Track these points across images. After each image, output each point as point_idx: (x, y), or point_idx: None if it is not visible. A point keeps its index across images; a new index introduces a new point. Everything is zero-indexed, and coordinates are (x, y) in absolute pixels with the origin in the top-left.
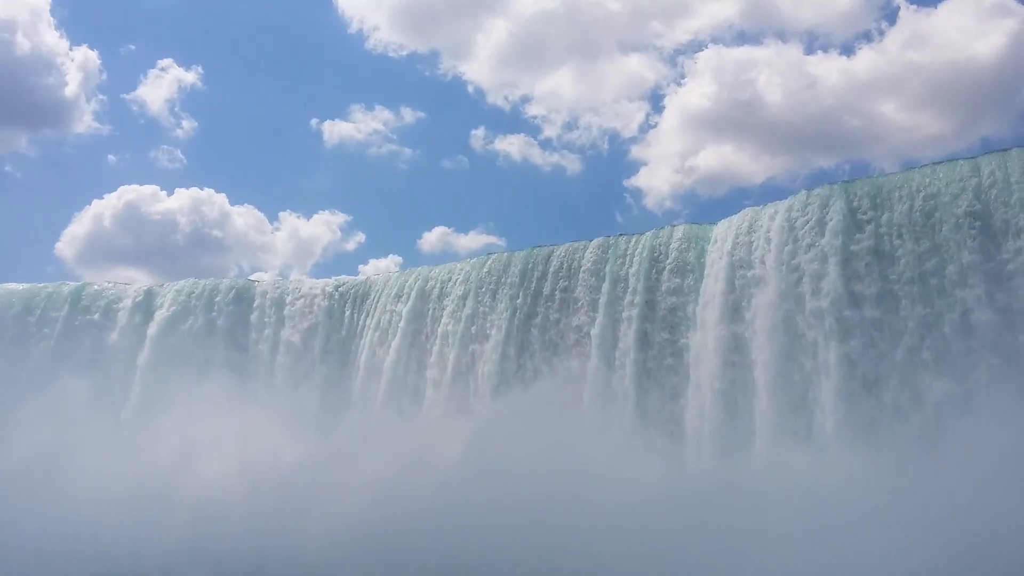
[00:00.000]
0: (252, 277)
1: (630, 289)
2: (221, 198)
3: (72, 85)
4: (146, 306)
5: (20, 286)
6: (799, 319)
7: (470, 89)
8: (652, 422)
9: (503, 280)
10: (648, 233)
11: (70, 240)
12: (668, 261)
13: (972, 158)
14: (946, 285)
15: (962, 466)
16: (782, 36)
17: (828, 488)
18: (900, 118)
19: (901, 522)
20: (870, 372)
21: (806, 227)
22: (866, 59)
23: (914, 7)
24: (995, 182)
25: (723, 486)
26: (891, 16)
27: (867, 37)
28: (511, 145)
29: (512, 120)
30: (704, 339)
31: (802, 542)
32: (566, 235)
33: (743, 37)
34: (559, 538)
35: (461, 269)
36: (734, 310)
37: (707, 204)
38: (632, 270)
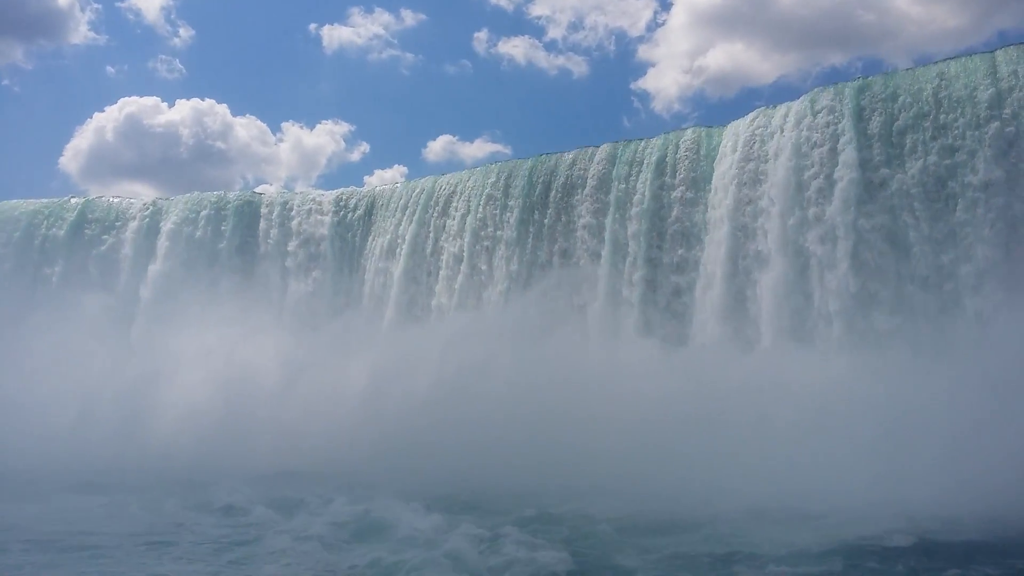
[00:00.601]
0: (257, 190)
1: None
2: (223, 109)
3: None
4: (153, 221)
5: (26, 202)
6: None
7: None
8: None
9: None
10: (656, 140)
11: (73, 154)
12: (671, 222)
13: (988, 52)
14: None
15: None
16: None
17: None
18: (915, 11)
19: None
20: None
21: (813, 185)
22: None
23: None
24: (1019, 133)
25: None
26: None
27: None
28: (515, 48)
29: (515, 21)
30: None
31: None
32: (573, 141)
33: None
34: (555, 432)
35: (466, 180)
36: (737, 299)
37: (717, 106)
38: (631, 230)
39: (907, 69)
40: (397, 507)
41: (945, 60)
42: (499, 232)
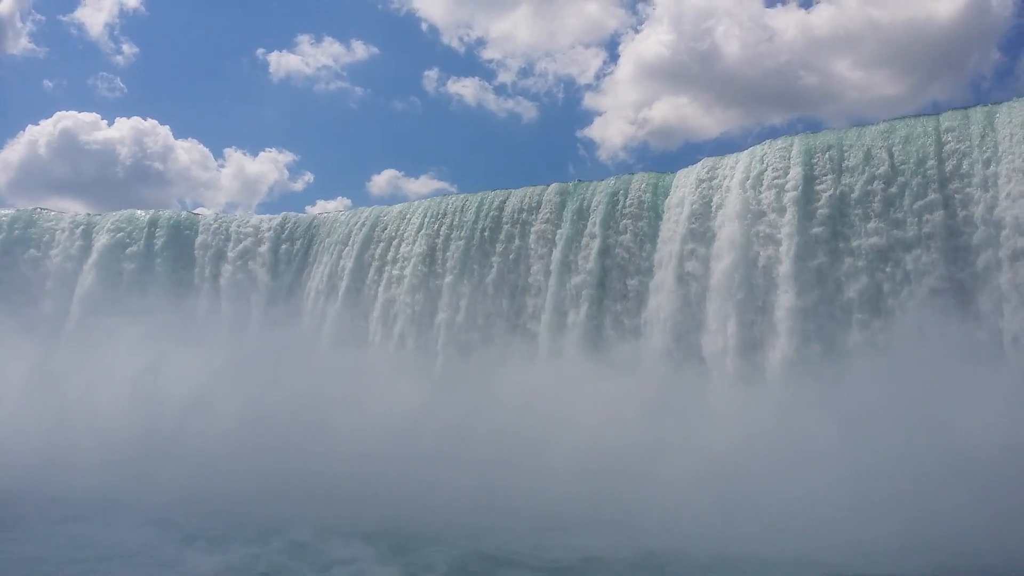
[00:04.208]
0: (195, 211)
1: None
2: (165, 130)
3: (7, 2)
4: (84, 237)
5: None
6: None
7: (424, 27)
8: None
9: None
10: (608, 180)
11: (2, 167)
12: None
13: (933, 115)
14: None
15: None
16: None
17: None
18: (855, 76)
19: None
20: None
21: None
22: (825, 14)
23: None
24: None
25: None
26: None
27: None
28: (465, 88)
29: (467, 63)
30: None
31: None
32: (517, 184)
33: None
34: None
35: (414, 210)
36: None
37: (660, 158)
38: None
39: (850, 127)
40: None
41: (888, 121)
42: (445, 264)
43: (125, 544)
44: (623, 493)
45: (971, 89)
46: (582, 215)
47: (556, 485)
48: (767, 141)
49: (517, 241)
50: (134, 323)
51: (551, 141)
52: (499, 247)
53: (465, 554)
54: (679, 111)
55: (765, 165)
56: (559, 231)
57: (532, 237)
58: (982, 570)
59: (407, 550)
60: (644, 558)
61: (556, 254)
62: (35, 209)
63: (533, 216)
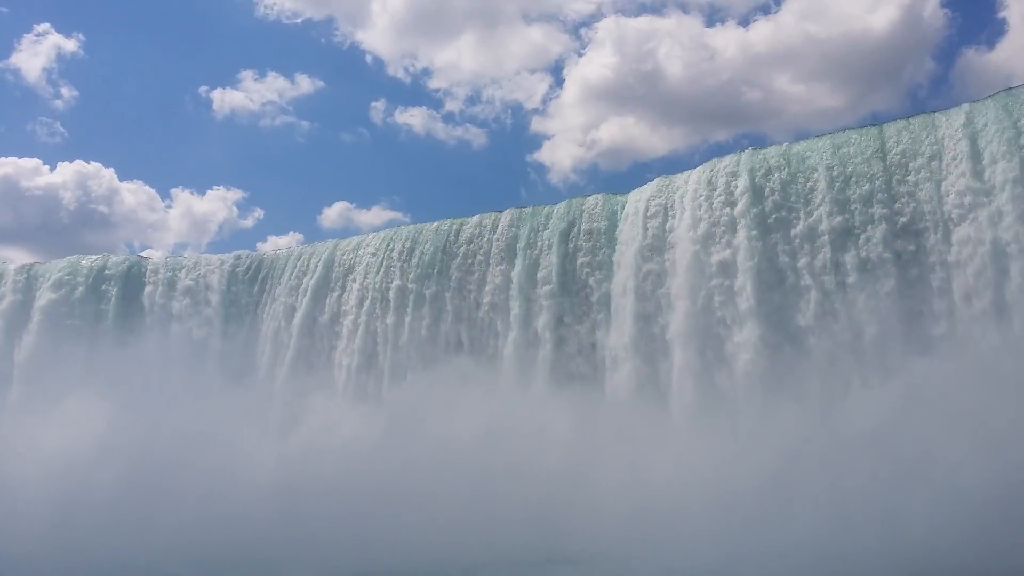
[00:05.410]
0: (143, 254)
1: None
2: (109, 173)
3: None
4: (28, 286)
5: None
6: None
7: (368, 59)
8: None
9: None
10: (560, 205)
11: None
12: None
13: (869, 127)
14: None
15: None
16: (684, 7)
17: None
18: (796, 90)
19: None
20: None
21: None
22: (763, 31)
23: None
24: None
25: None
26: None
27: (764, 10)
28: (413, 118)
29: (413, 93)
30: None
31: None
32: (471, 210)
33: (644, 7)
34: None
35: (368, 243)
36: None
37: (610, 179)
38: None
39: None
40: None
41: (828, 135)
42: (402, 297)
43: None
44: None
45: (909, 98)
46: (537, 241)
47: None
48: (713, 159)
49: (475, 273)
50: (79, 376)
51: (502, 166)
52: (455, 275)
53: None
54: (626, 131)
55: (715, 184)
56: (516, 254)
57: (491, 265)
58: None
59: None
60: None
61: (516, 271)
62: None
63: (488, 247)
